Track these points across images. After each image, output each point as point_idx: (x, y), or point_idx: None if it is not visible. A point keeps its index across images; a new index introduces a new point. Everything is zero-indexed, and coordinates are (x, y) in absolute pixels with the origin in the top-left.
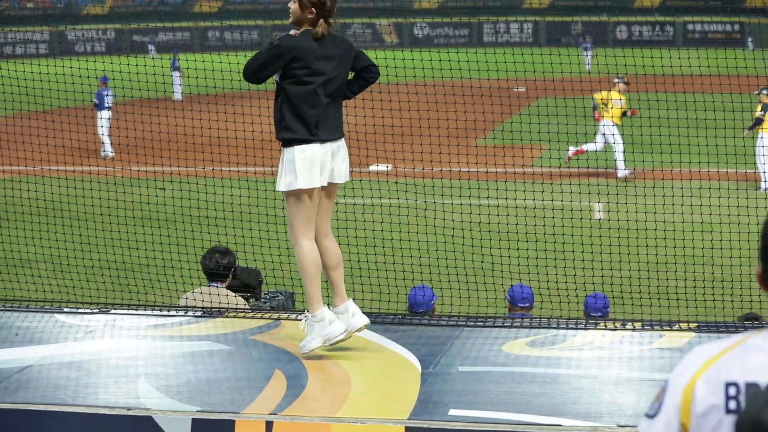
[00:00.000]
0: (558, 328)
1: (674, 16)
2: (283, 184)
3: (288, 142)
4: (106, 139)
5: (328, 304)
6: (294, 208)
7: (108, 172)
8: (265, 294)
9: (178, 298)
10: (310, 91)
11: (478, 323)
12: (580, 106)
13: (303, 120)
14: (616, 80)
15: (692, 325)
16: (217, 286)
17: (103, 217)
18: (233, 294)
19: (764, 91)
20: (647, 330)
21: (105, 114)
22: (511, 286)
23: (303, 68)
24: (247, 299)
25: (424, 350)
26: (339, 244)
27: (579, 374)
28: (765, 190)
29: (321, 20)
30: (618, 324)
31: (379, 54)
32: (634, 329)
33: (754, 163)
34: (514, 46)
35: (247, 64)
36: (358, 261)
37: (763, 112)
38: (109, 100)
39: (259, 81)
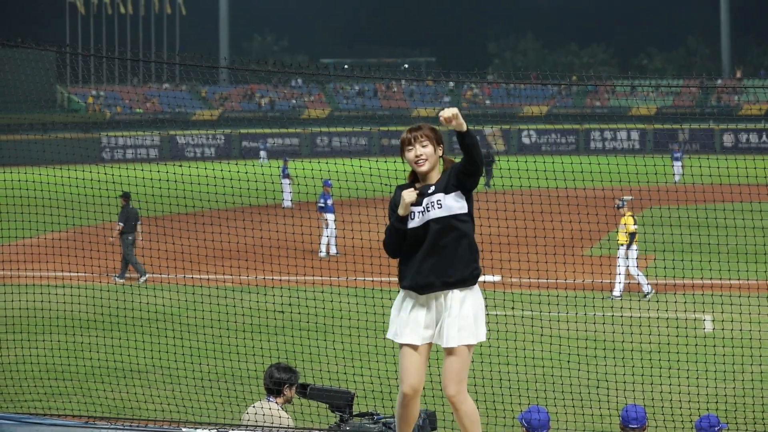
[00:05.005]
0: None
1: None
2: (483, 331)
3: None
4: (333, 240)
5: None
6: (468, 360)
7: (218, 280)
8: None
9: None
10: None
11: None
12: (694, 216)
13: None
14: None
15: None
16: (269, 401)
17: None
18: (281, 412)
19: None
20: None
21: (330, 216)
22: (625, 405)
23: None
24: (342, 421)
25: None
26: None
27: None
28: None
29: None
30: None
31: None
32: None
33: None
34: (621, 154)
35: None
36: (473, 377)
37: (635, 226)
38: (330, 203)
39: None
